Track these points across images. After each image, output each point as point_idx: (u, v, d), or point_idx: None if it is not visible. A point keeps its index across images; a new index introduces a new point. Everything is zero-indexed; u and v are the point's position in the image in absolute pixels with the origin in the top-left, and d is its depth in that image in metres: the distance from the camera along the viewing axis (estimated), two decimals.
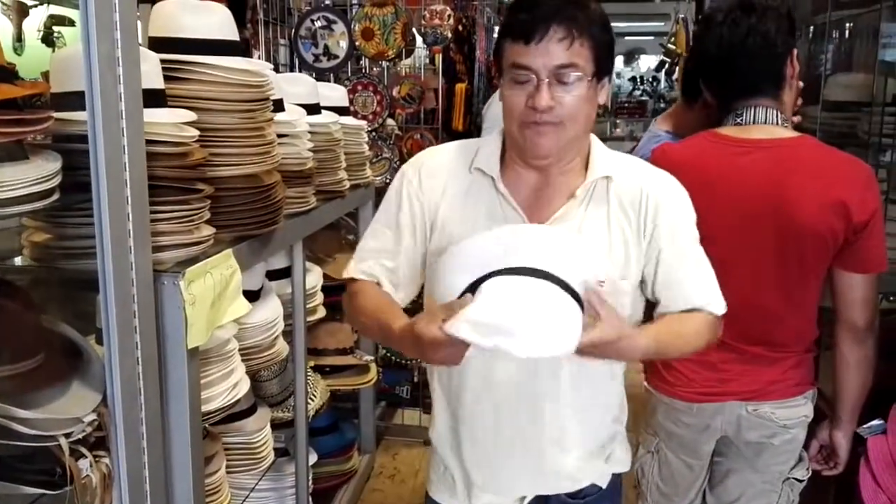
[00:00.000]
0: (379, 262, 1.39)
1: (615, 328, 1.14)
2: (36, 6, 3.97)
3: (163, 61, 1.49)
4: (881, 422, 1.79)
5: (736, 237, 1.67)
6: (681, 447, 1.89)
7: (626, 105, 11.20)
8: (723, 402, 1.78)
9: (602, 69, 1.25)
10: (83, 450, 1.27)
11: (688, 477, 1.92)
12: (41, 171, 1.16)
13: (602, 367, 1.34)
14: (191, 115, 1.45)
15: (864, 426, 1.79)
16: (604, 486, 1.50)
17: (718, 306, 1.38)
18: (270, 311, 2.13)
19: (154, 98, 1.38)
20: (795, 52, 1.72)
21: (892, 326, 1.97)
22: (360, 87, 3.58)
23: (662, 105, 5.92)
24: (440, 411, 1.49)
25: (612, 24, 1.29)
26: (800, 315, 1.74)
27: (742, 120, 1.70)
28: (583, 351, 1.11)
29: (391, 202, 1.40)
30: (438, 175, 1.37)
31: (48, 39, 4.01)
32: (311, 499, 2.59)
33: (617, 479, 1.54)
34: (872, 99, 2.35)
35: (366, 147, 2.73)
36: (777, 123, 1.69)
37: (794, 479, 1.85)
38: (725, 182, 1.67)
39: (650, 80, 10.92)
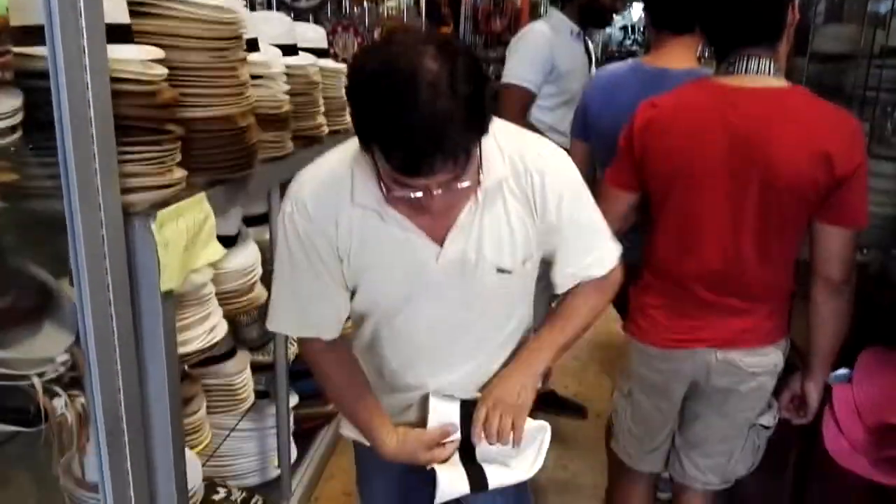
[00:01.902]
0: (325, 322, 1.42)
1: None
2: None
3: None
4: (847, 370, 1.82)
5: (720, 185, 1.68)
6: (653, 391, 1.93)
7: (617, 54, 11.07)
8: (694, 348, 1.81)
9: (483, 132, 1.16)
10: (57, 389, 1.28)
11: (658, 420, 1.96)
12: (1, 108, 1.14)
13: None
14: (158, 53, 1.42)
15: (832, 375, 1.82)
16: None
17: (603, 262, 1.47)
18: (248, 256, 2.13)
19: (119, 34, 1.33)
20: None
21: (864, 278, 1.99)
22: (340, 29, 3.52)
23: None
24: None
25: None
26: (776, 266, 1.75)
27: (734, 69, 1.69)
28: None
29: (298, 259, 1.35)
30: (325, 211, 1.31)
31: None
32: (292, 439, 2.64)
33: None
34: (860, 51, 2.32)
35: (345, 91, 2.69)
36: (769, 73, 1.67)
37: (760, 425, 1.89)
38: (713, 130, 1.67)
39: (641, 29, 10.74)
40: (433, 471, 1.41)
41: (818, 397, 1.83)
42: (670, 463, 2.02)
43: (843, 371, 1.82)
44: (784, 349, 1.83)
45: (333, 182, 1.31)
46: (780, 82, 1.69)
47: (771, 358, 1.81)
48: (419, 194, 1.15)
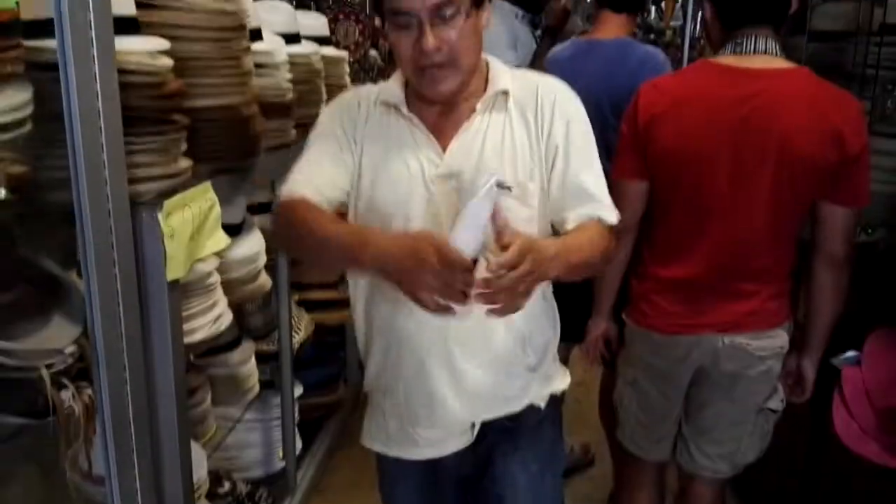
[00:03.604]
0: (317, 187, 1.38)
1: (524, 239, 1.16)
2: None
3: None
4: (855, 353, 1.82)
5: (737, 168, 1.68)
6: (659, 378, 1.92)
7: None
8: (699, 333, 1.81)
9: None
10: (65, 381, 1.28)
11: (666, 407, 1.96)
12: (12, 101, 1.14)
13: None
14: (164, 44, 1.42)
15: (840, 357, 1.83)
16: (542, 407, 1.52)
17: (610, 214, 1.40)
18: (253, 244, 2.13)
19: (126, 26, 1.34)
20: None
21: (871, 257, 2.01)
22: (341, 17, 3.49)
23: (652, 36, 5.85)
24: (372, 353, 1.50)
25: None
26: (782, 245, 1.77)
27: (742, 49, 1.69)
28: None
29: (321, 132, 1.43)
30: (356, 110, 1.42)
31: None
32: (297, 430, 2.64)
33: (556, 400, 1.56)
34: (858, 28, 2.32)
35: (348, 79, 2.68)
36: (776, 54, 1.69)
37: (769, 409, 1.88)
38: (725, 112, 1.67)
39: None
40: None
41: (814, 374, 1.85)
42: (678, 452, 2.00)
43: (851, 353, 1.82)
44: (789, 330, 1.84)
45: (368, 90, 1.45)
46: (787, 63, 1.71)
47: (777, 340, 1.81)
48: (413, 21, 1.23)
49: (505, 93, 1.37)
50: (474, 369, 1.43)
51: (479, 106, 1.36)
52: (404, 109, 1.38)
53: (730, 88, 1.67)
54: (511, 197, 1.33)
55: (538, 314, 1.48)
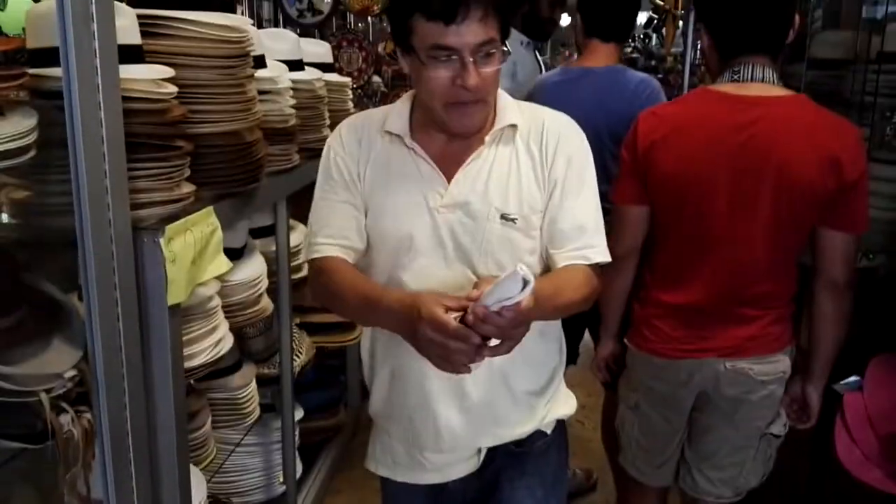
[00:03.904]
0: (338, 240, 1.41)
1: None
2: None
3: (140, 17, 1.46)
4: (857, 378, 1.82)
5: (736, 194, 1.69)
6: (660, 402, 1.92)
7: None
8: (701, 358, 1.81)
9: (506, 31, 1.29)
10: (64, 405, 1.28)
11: (667, 431, 1.95)
12: (17, 128, 1.15)
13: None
14: (169, 72, 1.43)
15: (841, 382, 1.83)
16: (549, 433, 1.52)
17: (599, 253, 1.40)
18: (254, 268, 2.14)
19: (131, 54, 1.36)
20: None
21: (871, 283, 2.01)
22: (345, 44, 3.54)
23: (653, 62, 5.90)
24: (377, 378, 1.53)
25: None
26: (783, 270, 1.77)
27: (739, 77, 1.71)
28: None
29: (328, 178, 1.44)
30: (358, 139, 1.42)
31: None
32: (297, 453, 2.63)
33: (563, 425, 1.57)
34: (857, 56, 2.35)
35: (351, 104, 2.71)
36: (773, 82, 1.70)
37: (771, 434, 1.88)
38: (724, 140, 1.68)
39: (641, 36, 10.74)
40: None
41: (819, 401, 1.84)
42: (681, 477, 2.00)
43: (853, 378, 1.82)
44: (791, 355, 1.84)
45: (371, 118, 1.45)
46: (784, 91, 1.73)
47: (779, 365, 1.81)
48: (454, 57, 1.23)
49: (513, 126, 1.38)
50: (477, 389, 1.43)
51: (487, 138, 1.37)
52: (407, 140, 1.38)
53: (728, 116, 1.69)
54: (515, 229, 1.36)
55: (539, 332, 1.47)
